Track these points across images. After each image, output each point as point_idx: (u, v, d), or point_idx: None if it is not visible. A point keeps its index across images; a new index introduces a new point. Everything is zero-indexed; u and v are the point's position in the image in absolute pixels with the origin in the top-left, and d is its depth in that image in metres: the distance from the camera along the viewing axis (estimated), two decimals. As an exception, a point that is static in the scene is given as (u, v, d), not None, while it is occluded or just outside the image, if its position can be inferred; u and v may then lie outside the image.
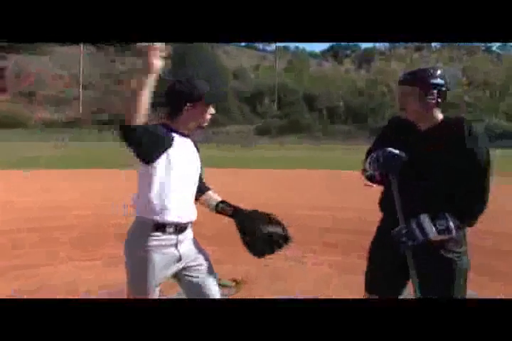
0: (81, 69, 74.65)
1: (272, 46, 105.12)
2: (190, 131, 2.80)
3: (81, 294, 4.75)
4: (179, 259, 2.73)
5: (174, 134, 2.67)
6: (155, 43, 2.38)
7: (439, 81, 2.71)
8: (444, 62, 63.64)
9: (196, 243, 2.90)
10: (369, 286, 2.99)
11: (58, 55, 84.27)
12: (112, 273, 5.42)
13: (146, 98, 2.39)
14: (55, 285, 5.03)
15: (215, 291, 2.88)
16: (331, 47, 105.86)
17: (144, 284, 2.67)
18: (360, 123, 62.40)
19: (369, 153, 2.94)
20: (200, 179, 2.94)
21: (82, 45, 75.61)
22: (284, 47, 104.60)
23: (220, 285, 4.96)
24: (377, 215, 3.07)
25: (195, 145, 2.87)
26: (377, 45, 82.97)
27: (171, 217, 2.65)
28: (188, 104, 2.67)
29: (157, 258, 2.64)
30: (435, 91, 2.69)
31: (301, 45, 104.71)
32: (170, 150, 2.60)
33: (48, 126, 62.86)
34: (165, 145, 2.57)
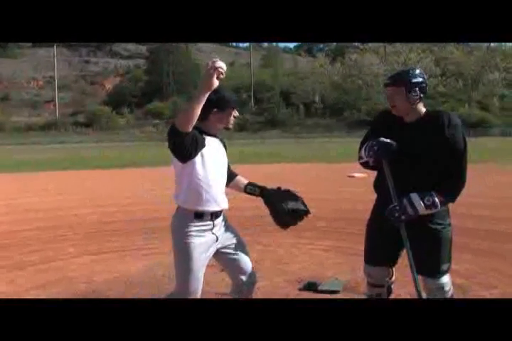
0: (55, 71, 74.13)
1: (246, 43, 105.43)
2: (217, 131, 3.26)
3: (99, 283, 5.17)
4: (216, 240, 3.21)
5: (205, 135, 3.12)
6: (221, 65, 2.85)
7: (419, 79, 3.20)
8: (416, 54, 64.41)
9: (229, 224, 3.38)
10: (367, 257, 3.47)
11: (31, 57, 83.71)
12: (123, 264, 5.87)
13: (199, 110, 2.85)
14: (74, 276, 5.44)
15: (249, 265, 3.37)
16: (304, 43, 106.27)
17: (191, 267, 3.12)
18: (337, 117, 63.11)
19: (363, 143, 3.42)
20: (228, 167, 3.41)
21: (55, 47, 75.07)
22: (258, 43, 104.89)
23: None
24: (362, 204, 3.54)
25: (223, 143, 3.34)
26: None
27: (208, 206, 3.13)
28: (215, 110, 3.12)
29: (198, 241, 3.11)
30: (417, 88, 3.18)
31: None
32: (203, 150, 3.06)
33: (26, 129, 62.65)
34: (201, 147, 3.04)
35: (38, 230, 7.90)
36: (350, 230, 7.05)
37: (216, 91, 3.04)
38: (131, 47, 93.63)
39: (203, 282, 3.23)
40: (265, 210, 3.42)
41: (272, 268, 5.56)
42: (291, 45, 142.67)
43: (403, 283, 4.26)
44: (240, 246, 3.36)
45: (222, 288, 4.84)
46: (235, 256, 3.31)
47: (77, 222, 8.56)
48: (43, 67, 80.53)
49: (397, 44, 66.95)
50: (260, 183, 3.48)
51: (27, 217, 9.04)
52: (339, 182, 13.44)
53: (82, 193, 11.89)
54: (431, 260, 3.20)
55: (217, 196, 3.17)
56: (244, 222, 8.07)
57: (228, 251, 3.30)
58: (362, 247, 3.54)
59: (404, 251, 3.27)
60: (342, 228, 7.53)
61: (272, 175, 15.89)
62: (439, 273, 3.22)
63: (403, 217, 3.13)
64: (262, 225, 7.87)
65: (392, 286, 3.62)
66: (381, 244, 3.37)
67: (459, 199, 3.21)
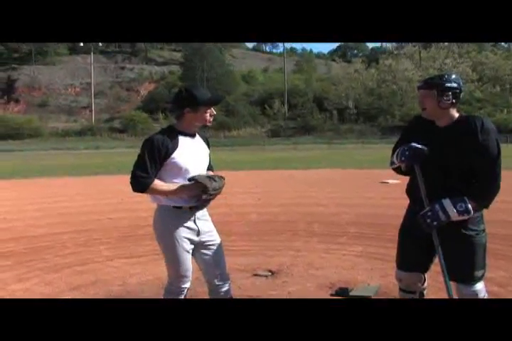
0: (92, 77, 75.34)
1: (280, 48, 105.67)
2: (194, 129, 3.38)
3: (133, 285, 5.24)
4: (198, 232, 3.34)
5: (179, 136, 3.27)
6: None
7: (453, 84, 3.17)
8: (453, 59, 63.59)
9: (211, 224, 3.50)
10: (399, 263, 3.46)
11: (68, 64, 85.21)
12: (157, 267, 5.90)
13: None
14: (108, 278, 5.53)
15: (223, 269, 3.47)
16: (339, 48, 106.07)
17: (175, 253, 3.30)
18: (371, 122, 62.64)
19: (395, 148, 3.41)
20: (209, 164, 3.56)
21: (92, 54, 76.33)
22: (292, 48, 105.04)
23: (258, 275, 5.49)
24: (395, 209, 3.52)
25: (204, 139, 3.49)
26: (385, 44, 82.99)
27: (185, 202, 3.27)
28: (187, 109, 3.24)
29: (178, 229, 3.27)
30: (450, 93, 3.16)
31: (308, 47, 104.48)
32: (175, 153, 3.20)
33: (62, 134, 63.79)
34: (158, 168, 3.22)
35: (74, 233, 8.04)
36: (383, 236, 7.01)
37: (188, 90, 3.23)
38: (166, 53, 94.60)
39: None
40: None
41: (303, 273, 5.56)
42: (326, 50, 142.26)
43: (436, 289, 4.23)
44: (216, 248, 3.44)
45: (253, 291, 4.88)
46: (210, 258, 3.41)
47: (112, 226, 8.69)
48: (80, 73, 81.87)
49: (433, 49, 66.29)
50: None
51: (62, 220, 9.20)
52: (372, 188, 13.34)
53: (116, 197, 12.03)
54: (464, 266, 3.17)
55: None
56: (276, 228, 8.12)
57: (204, 251, 3.40)
58: (394, 253, 3.53)
59: (437, 257, 3.25)
60: (374, 234, 7.48)
61: (305, 180, 15.90)
62: (472, 280, 3.18)
63: (435, 223, 3.11)
64: (294, 230, 7.90)
65: (425, 292, 3.58)
66: (413, 250, 3.35)
67: (492, 205, 3.18)
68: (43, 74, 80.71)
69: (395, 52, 67.75)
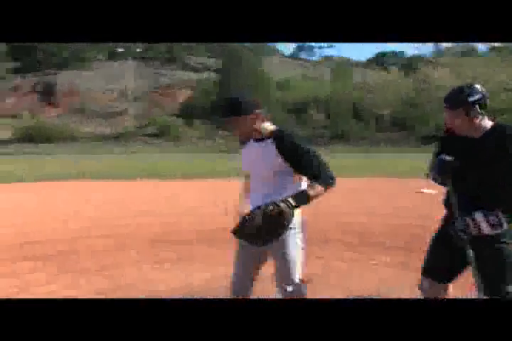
0: (131, 83, 76.37)
1: (316, 56, 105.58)
2: (242, 138, 3.34)
3: (159, 292, 5.21)
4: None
5: (250, 140, 3.30)
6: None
7: (476, 97, 3.06)
8: (492, 66, 62.52)
9: None
10: (427, 273, 3.38)
11: (106, 70, 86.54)
12: (184, 274, 5.91)
13: None
14: (134, 284, 5.52)
15: (283, 271, 3.33)
16: (376, 56, 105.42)
17: (234, 261, 3.43)
18: (407, 131, 62.04)
19: (432, 160, 3.35)
20: (306, 173, 3.36)
21: (130, 60, 77.42)
22: (328, 56, 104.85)
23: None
24: (428, 220, 3.44)
25: (278, 145, 3.16)
26: (423, 52, 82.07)
27: (245, 208, 3.27)
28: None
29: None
30: (476, 106, 3.05)
31: (345, 54, 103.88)
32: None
33: (99, 139, 64.73)
34: None
35: (102, 238, 8.08)
36: (416, 246, 6.85)
37: (226, 99, 3.22)
38: (203, 59, 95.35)
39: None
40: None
41: (332, 284, 5.48)
42: (363, 58, 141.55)
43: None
44: (279, 253, 3.29)
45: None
46: (276, 260, 3.34)
47: (141, 231, 8.67)
48: (117, 79, 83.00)
49: (471, 58, 65.38)
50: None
51: (94, 224, 9.26)
52: (407, 197, 13.13)
53: (148, 203, 12.08)
54: (496, 281, 3.07)
55: (251, 197, 3.34)
56: (307, 236, 8.01)
57: (271, 253, 3.35)
58: (420, 264, 3.47)
59: (466, 269, 3.17)
60: (407, 243, 7.34)
61: (340, 188, 15.74)
62: (504, 296, 3.07)
63: (466, 237, 3.02)
64: (324, 239, 7.79)
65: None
66: (443, 261, 3.30)
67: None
68: (81, 80, 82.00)
69: (433, 60, 66.89)
